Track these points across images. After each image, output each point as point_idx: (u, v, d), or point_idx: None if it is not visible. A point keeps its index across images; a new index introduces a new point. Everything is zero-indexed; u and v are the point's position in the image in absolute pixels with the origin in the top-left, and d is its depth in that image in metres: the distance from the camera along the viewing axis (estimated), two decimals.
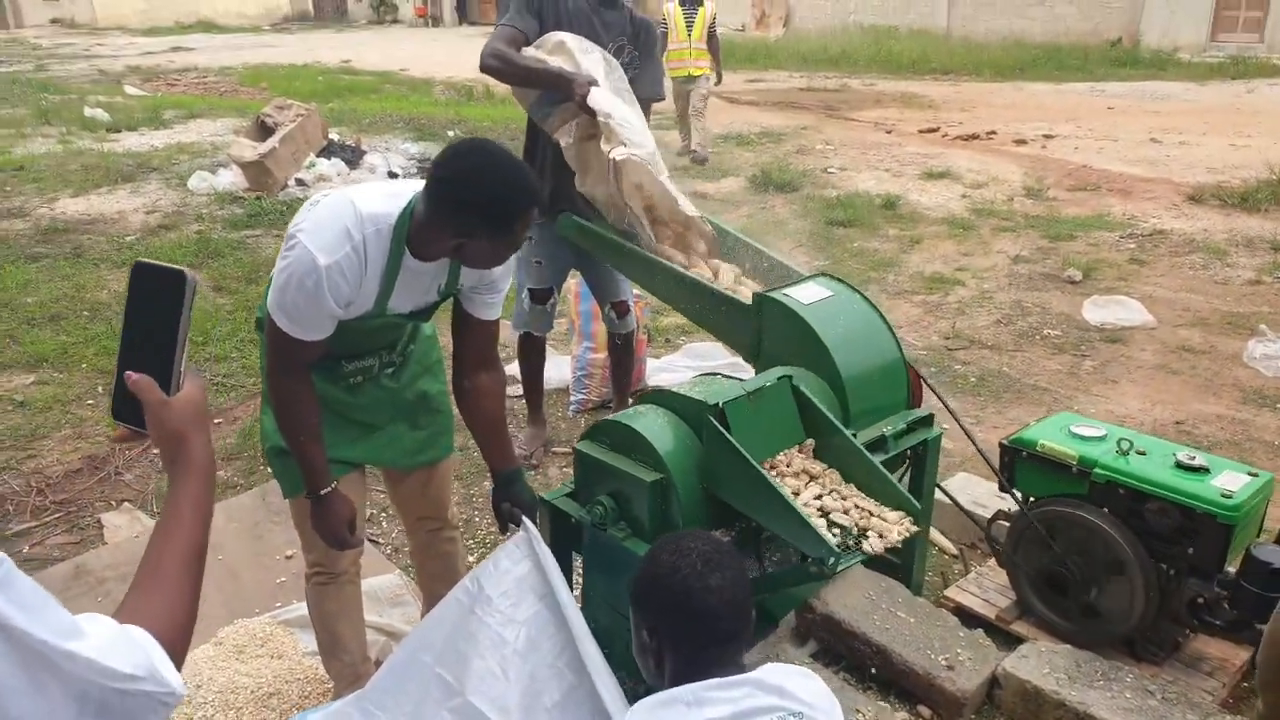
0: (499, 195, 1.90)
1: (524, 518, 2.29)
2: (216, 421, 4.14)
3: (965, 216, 7.58)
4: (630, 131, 3.04)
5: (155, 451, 3.83)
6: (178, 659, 1.00)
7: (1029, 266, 6.38)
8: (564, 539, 2.49)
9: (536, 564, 2.24)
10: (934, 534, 3.38)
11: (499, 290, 2.26)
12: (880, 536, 2.12)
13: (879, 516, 2.18)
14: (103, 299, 5.55)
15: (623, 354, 4.05)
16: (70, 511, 3.50)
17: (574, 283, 4.44)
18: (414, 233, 2.01)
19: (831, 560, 2.00)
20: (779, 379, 2.33)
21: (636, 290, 4.22)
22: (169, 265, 1.12)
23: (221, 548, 3.20)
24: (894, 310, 5.62)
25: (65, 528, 3.41)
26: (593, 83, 3.08)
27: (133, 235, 6.90)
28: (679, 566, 1.62)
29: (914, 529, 2.16)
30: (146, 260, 1.12)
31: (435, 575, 2.65)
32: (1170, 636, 2.72)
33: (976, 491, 3.44)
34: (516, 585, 2.25)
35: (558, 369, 4.55)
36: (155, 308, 1.11)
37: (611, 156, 3.00)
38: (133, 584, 1.06)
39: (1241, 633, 2.55)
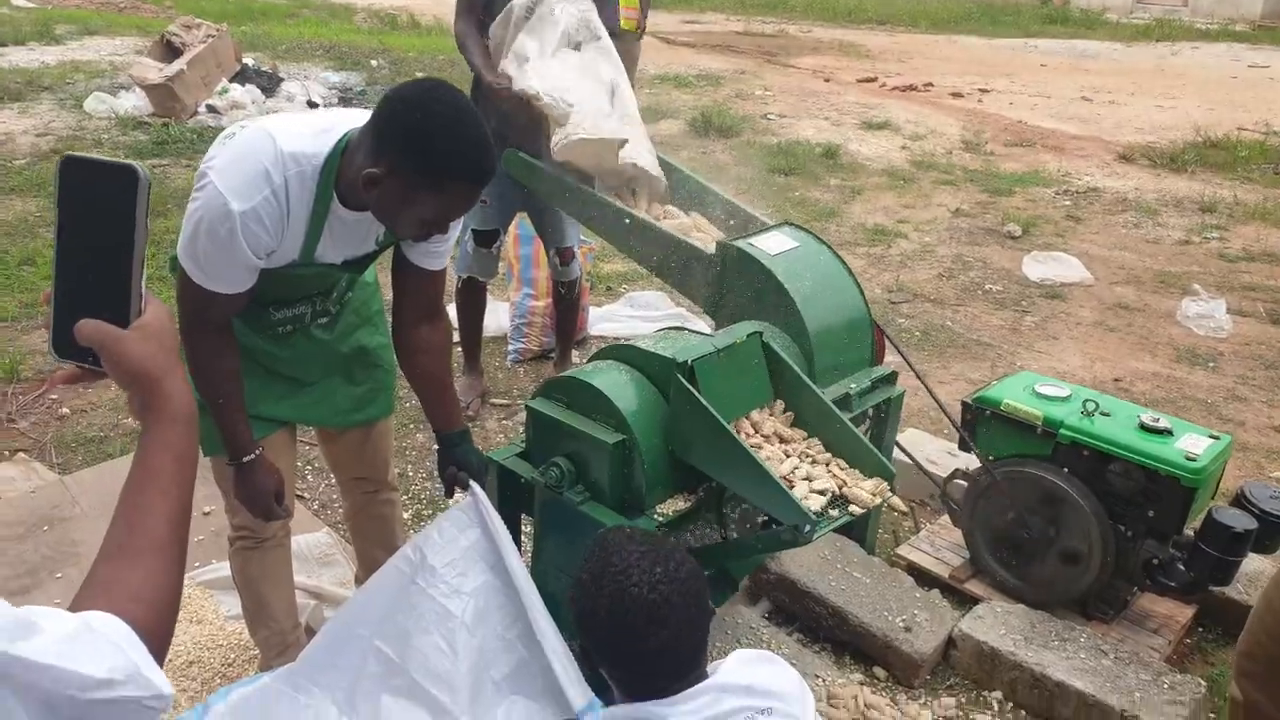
0: (431, 129, 1.62)
1: (472, 483, 2.11)
2: None
3: (905, 168, 7.53)
4: (562, 102, 2.83)
5: (53, 398, 3.51)
6: (160, 650, 0.82)
7: (969, 220, 6.36)
8: (513, 502, 2.32)
9: (485, 531, 2.09)
10: None
11: (446, 239, 2.00)
12: (856, 503, 2.02)
13: (855, 482, 2.08)
14: None
15: (567, 302, 3.86)
16: None
17: (511, 225, 4.21)
18: (344, 174, 1.74)
19: (808, 528, 1.89)
20: (749, 335, 2.18)
21: (581, 235, 4.04)
22: (113, 160, 0.89)
23: None
24: None
25: None
26: (506, 76, 2.92)
27: (22, 159, 6.37)
28: (625, 613, 1.41)
29: (890, 494, 2.07)
30: (80, 155, 0.90)
31: (371, 539, 2.46)
32: (1120, 595, 2.71)
33: (927, 448, 3.39)
34: (463, 554, 2.09)
35: (495, 316, 4.33)
36: (97, 217, 0.89)
37: (554, 157, 2.85)
38: (100, 556, 0.86)
39: (1194, 594, 2.55)
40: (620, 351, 2.22)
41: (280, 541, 2.23)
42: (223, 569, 2.70)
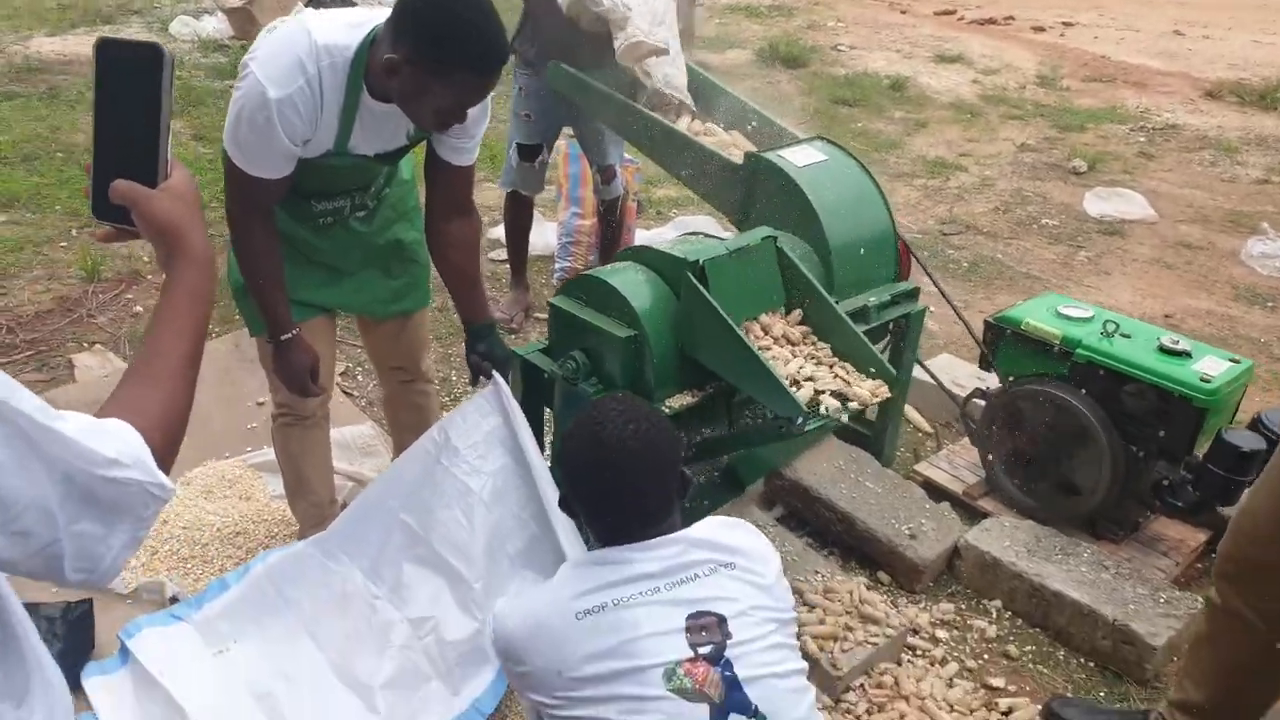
0: (443, 19, 1.73)
1: (494, 372, 2.25)
2: None
3: (974, 102, 7.35)
4: (621, 5, 2.87)
5: (128, 298, 3.77)
6: (166, 460, 0.94)
7: (1034, 155, 6.22)
8: (536, 394, 2.46)
9: (505, 418, 2.22)
10: (909, 411, 3.38)
11: (473, 135, 2.11)
12: (853, 402, 2.10)
13: (855, 383, 2.16)
14: (78, 141, 5.36)
15: (609, 220, 3.95)
16: (41, 351, 3.46)
17: (563, 144, 4.30)
18: (371, 65, 1.85)
19: (800, 420, 1.99)
20: (763, 239, 2.26)
21: (628, 155, 4.11)
22: (140, 40, 1.01)
23: None
24: (892, 193, 5.46)
25: (35, 366, 3.37)
26: None
27: None
28: (595, 460, 1.51)
29: (888, 394, 2.14)
30: (112, 37, 1.00)
31: (407, 427, 2.63)
32: (1131, 517, 2.75)
33: (958, 372, 3.42)
34: (485, 438, 2.23)
35: (543, 235, 4.44)
36: (129, 92, 1.00)
37: (618, 59, 2.90)
38: (123, 377, 0.98)
39: (1201, 514, 2.58)
40: (639, 254, 2.32)
41: (319, 422, 2.41)
42: (272, 453, 2.89)
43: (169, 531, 2.59)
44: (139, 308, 3.78)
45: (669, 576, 1.44)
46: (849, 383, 2.14)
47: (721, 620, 1.42)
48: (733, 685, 1.38)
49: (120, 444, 0.87)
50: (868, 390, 2.11)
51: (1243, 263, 4.75)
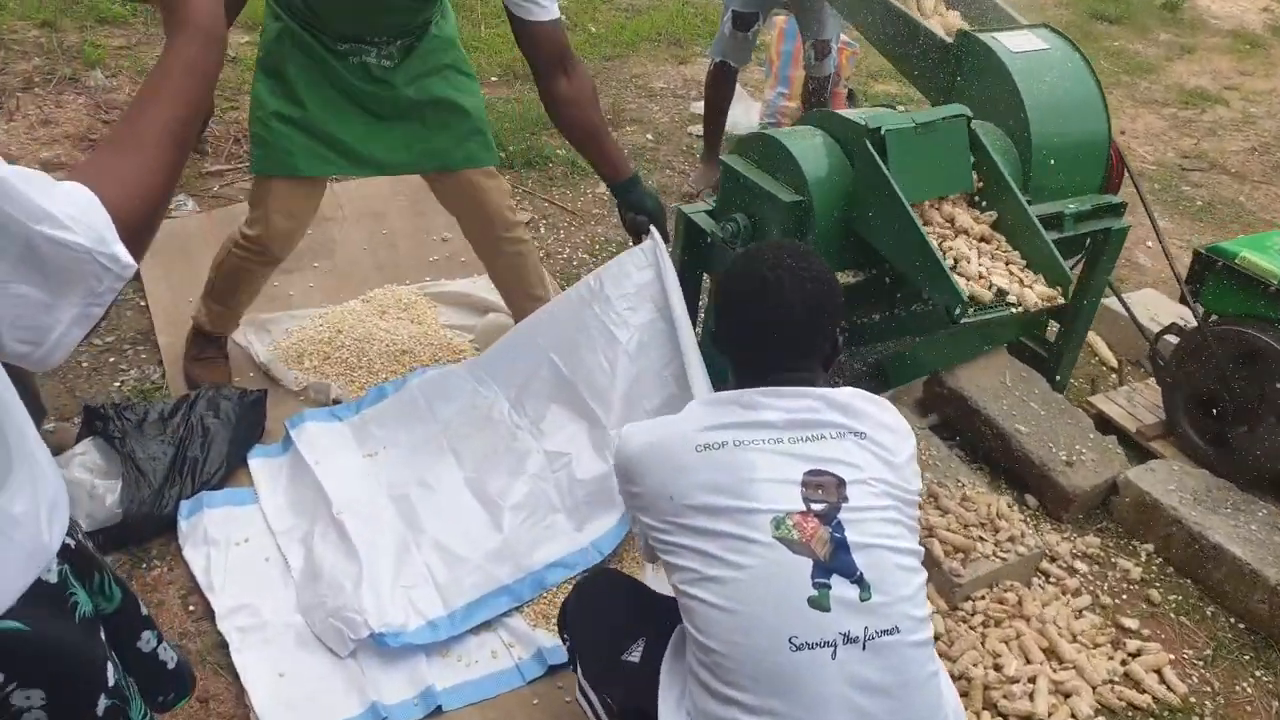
0: None
1: (652, 228, 2.24)
2: None
3: (1258, 32, 6.49)
4: None
5: None
6: (136, 237, 0.85)
7: None
8: (695, 257, 2.46)
9: (658, 274, 2.23)
10: (1096, 341, 3.15)
11: None
12: (1022, 303, 1.98)
13: (1028, 284, 2.03)
14: None
15: (815, 100, 3.82)
16: None
17: (781, 19, 4.17)
18: None
19: (959, 309, 1.90)
20: (955, 116, 2.12)
21: (847, 37, 3.94)
22: None
23: (384, 218, 3.35)
24: (1133, 119, 5.00)
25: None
26: None
27: None
28: (742, 280, 1.47)
29: (1059, 301, 2.00)
30: None
31: (502, 278, 2.65)
32: None
33: (1158, 309, 3.14)
34: (637, 291, 2.25)
35: (747, 114, 4.35)
36: None
37: None
38: (98, 146, 0.97)
39: None
40: (820, 117, 2.24)
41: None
42: (449, 284, 3.05)
43: (341, 341, 2.77)
44: None
45: (795, 430, 1.39)
46: (1021, 281, 2.02)
47: (841, 483, 1.36)
48: (841, 546, 1.32)
49: (70, 206, 0.79)
50: (1036, 294, 1.98)
51: None
